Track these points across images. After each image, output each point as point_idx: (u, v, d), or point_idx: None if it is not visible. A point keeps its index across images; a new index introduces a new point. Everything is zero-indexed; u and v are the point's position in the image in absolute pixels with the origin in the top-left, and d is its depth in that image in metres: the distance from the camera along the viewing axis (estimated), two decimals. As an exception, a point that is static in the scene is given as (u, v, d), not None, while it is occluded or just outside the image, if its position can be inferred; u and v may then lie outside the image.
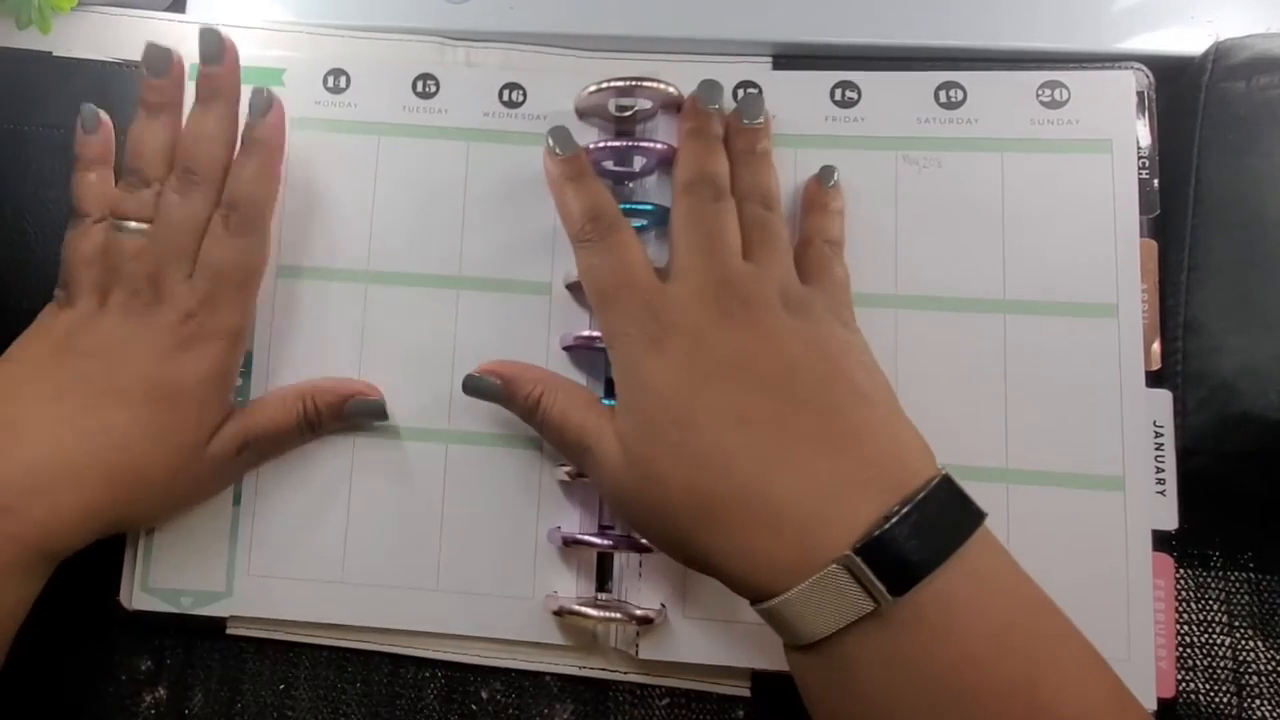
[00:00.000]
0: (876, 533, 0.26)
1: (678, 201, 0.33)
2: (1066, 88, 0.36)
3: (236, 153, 0.34)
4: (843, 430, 0.28)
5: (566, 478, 0.35)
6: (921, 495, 0.26)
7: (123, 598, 0.36)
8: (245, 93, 0.35)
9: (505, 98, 0.37)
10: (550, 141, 0.34)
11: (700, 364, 0.29)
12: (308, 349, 0.36)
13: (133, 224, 0.33)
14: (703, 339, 0.29)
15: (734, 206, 0.33)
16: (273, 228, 0.36)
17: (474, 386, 0.34)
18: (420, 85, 0.38)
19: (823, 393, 0.29)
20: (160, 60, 0.34)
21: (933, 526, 0.26)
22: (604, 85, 0.36)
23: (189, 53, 0.36)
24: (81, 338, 0.33)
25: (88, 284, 0.33)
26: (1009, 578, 0.27)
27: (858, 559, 0.26)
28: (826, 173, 0.36)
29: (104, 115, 0.35)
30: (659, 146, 0.35)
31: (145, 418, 0.32)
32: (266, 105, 0.34)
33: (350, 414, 0.35)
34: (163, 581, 0.36)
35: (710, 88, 0.35)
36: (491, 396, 0.34)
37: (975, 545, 0.26)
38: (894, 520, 0.26)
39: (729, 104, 0.36)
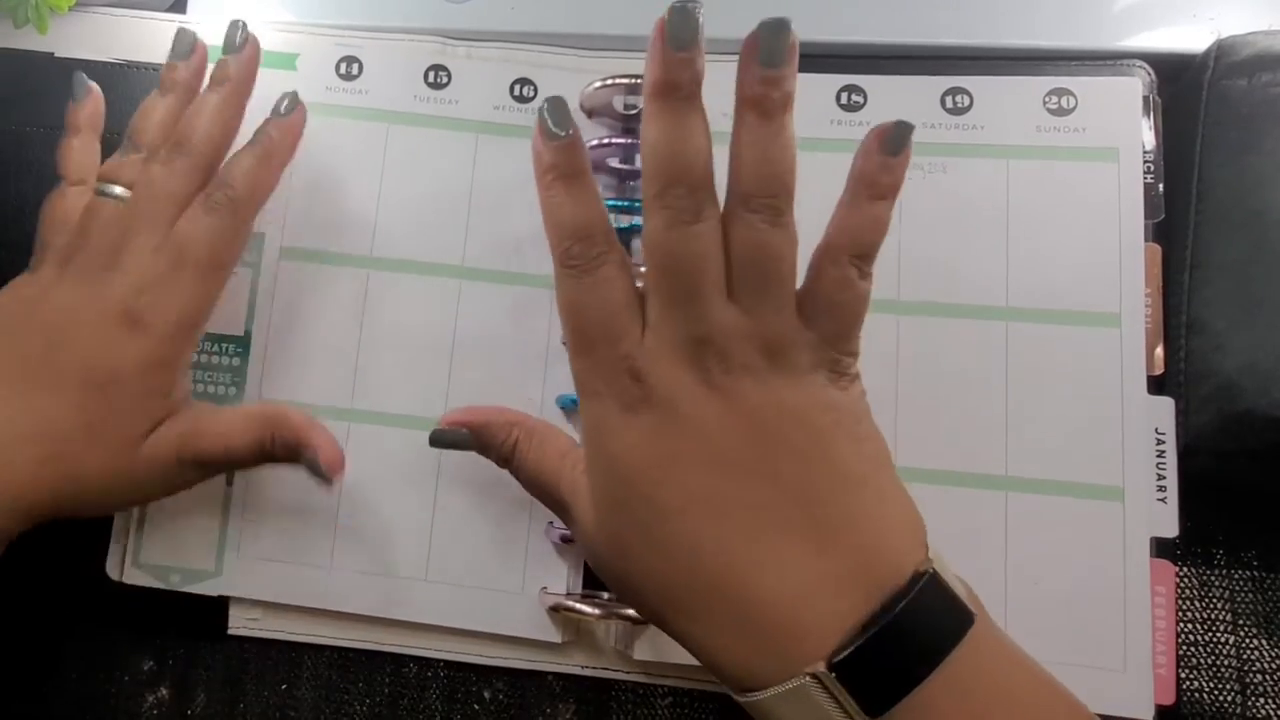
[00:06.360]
0: (852, 647, 0.24)
1: (647, 216, 0.27)
2: (1074, 95, 0.36)
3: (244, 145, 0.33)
4: (823, 521, 0.26)
5: None
6: (904, 603, 0.24)
7: (111, 571, 0.36)
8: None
9: (516, 92, 0.38)
10: (545, 115, 0.28)
11: (671, 441, 0.26)
12: (306, 331, 0.36)
13: (117, 189, 0.32)
14: (676, 412, 0.26)
15: (716, 219, 0.27)
16: (278, 209, 0.36)
17: (441, 440, 0.31)
18: (432, 76, 0.38)
19: (805, 477, 0.26)
20: (186, 44, 0.34)
21: (913, 638, 0.24)
22: (609, 81, 0.36)
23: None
24: (32, 312, 0.31)
25: (54, 249, 0.32)
26: (1000, 679, 0.25)
27: (832, 675, 0.24)
28: (900, 134, 0.27)
29: (94, 85, 0.35)
30: None
31: (78, 405, 0.30)
32: (290, 108, 0.34)
33: (304, 464, 0.31)
34: (153, 558, 0.36)
35: (683, 16, 0.26)
36: (463, 447, 0.31)
37: (963, 651, 0.24)
38: (873, 632, 0.24)
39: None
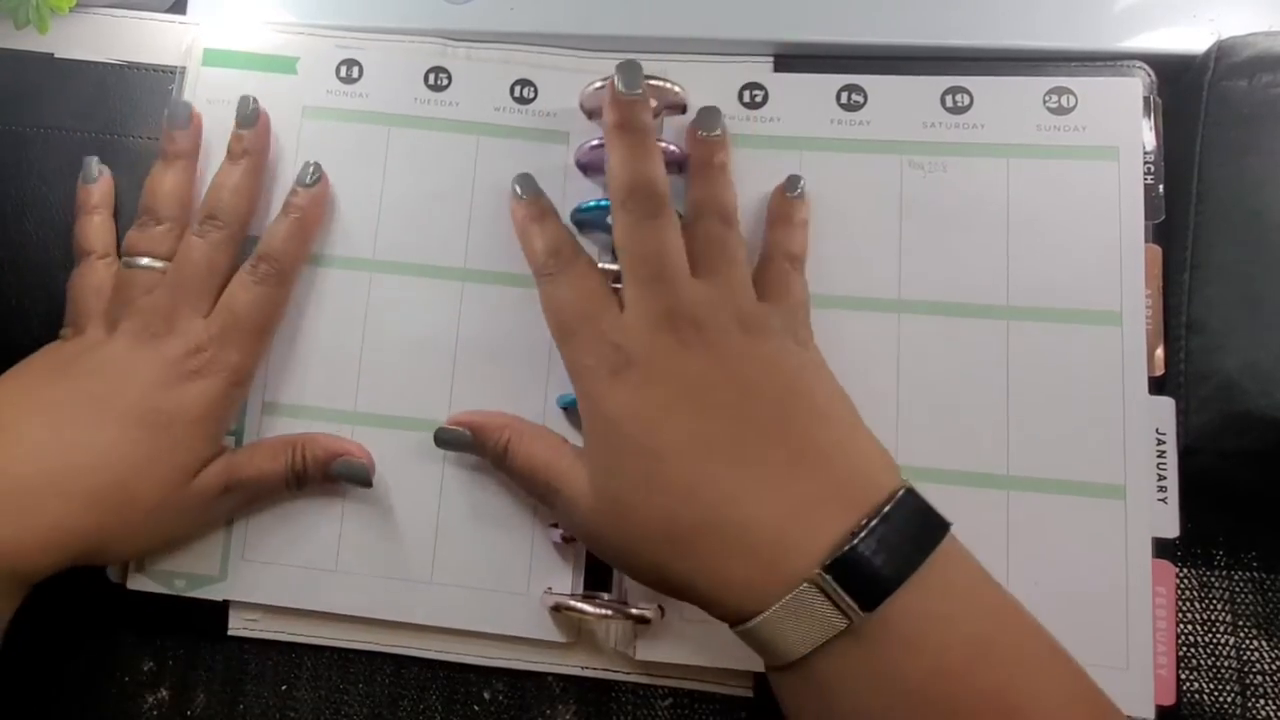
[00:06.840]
0: (844, 549, 0.26)
1: (616, 217, 0.32)
2: (1074, 94, 0.36)
3: (275, 213, 0.36)
4: (804, 450, 0.28)
5: None
6: (885, 509, 0.27)
7: (114, 575, 0.36)
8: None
9: (516, 93, 0.38)
10: (517, 189, 0.34)
11: (660, 394, 0.29)
12: (309, 335, 0.36)
13: (144, 260, 0.34)
14: (659, 369, 0.30)
15: (674, 217, 0.32)
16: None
17: (445, 439, 0.34)
18: (432, 78, 0.38)
19: (782, 414, 0.29)
20: (182, 115, 0.36)
21: (898, 540, 0.26)
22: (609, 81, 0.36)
23: (196, 52, 0.38)
24: (86, 359, 0.33)
25: (96, 313, 0.34)
26: (977, 586, 0.28)
27: (828, 577, 0.26)
28: (792, 182, 0.35)
29: (104, 167, 0.38)
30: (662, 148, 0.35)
31: (136, 439, 0.31)
32: (314, 178, 0.36)
33: (335, 473, 0.34)
34: (157, 563, 0.35)
35: (629, 70, 0.33)
36: (463, 447, 0.34)
37: (942, 556, 0.27)
38: (860, 536, 0.26)
39: (712, 115, 0.35)
